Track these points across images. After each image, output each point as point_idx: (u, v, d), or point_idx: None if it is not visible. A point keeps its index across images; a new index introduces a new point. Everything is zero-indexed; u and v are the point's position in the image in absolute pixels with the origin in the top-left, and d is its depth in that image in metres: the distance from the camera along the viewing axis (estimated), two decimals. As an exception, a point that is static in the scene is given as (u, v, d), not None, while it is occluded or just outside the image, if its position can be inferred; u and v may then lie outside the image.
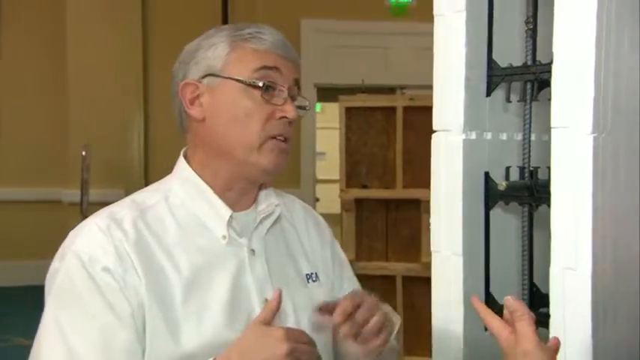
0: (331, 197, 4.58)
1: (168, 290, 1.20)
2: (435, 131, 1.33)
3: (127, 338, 1.17)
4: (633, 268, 1.26)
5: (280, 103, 1.27)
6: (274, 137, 1.28)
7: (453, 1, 1.29)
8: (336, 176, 3.48)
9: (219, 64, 1.27)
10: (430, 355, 3.43)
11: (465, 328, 1.30)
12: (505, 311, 1.02)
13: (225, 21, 4.51)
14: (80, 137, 5.02)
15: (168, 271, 1.22)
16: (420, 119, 3.16)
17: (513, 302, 1.00)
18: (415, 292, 3.23)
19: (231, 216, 1.28)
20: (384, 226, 3.20)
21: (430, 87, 4.18)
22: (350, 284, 1.54)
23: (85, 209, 4.63)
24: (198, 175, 1.31)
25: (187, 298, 1.21)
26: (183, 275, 1.22)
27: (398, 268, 3.17)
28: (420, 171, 3.17)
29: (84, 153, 4.62)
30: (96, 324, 1.17)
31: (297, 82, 1.32)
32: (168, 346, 1.18)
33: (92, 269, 1.18)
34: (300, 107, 1.33)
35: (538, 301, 1.33)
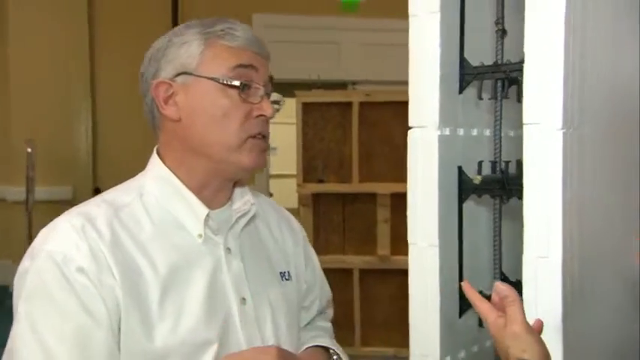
0: (285, 192, 4.60)
1: (144, 290, 1.19)
2: (410, 127, 1.37)
3: (104, 338, 1.16)
4: (597, 257, 1.34)
5: (257, 102, 1.26)
6: (254, 136, 1.28)
7: (428, 3, 1.33)
8: (288, 171, 3.51)
9: (193, 63, 1.25)
10: (385, 345, 3.48)
11: (440, 316, 1.35)
12: (494, 295, 1.08)
13: (174, 15, 4.46)
14: (23, 132, 4.87)
15: (144, 270, 1.20)
16: (375, 114, 3.23)
17: (505, 288, 1.06)
18: (371, 284, 3.30)
19: (207, 214, 1.28)
20: (341, 220, 3.26)
21: (381, 82, 4.26)
22: (321, 288, 1.57)
23: (30, 207, 4.51)
24: (174, 174, 1.29)
25: (164, 297, 1.20)
26: (160, 274, 1.21)
27: (355, 261, 3.22)
28: (375, 165, 3.24)
29: (29, 150, 4.50)
30: (72, 325, 1.15)
31: (271, 79, 1.34)
32: (143, 345, 1.17)
33: (67, 269, 1.15)
34: (273, 102, 1.34)
35: (507, 289, 1.39)
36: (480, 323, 1.45)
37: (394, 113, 3.21)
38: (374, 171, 3.21)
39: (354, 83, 4.04)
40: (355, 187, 3.21)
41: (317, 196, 3.18)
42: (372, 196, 3.20)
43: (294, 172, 3.41)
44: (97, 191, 4.35)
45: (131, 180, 1.36)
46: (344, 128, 3.21)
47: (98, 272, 1.16)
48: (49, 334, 1.14)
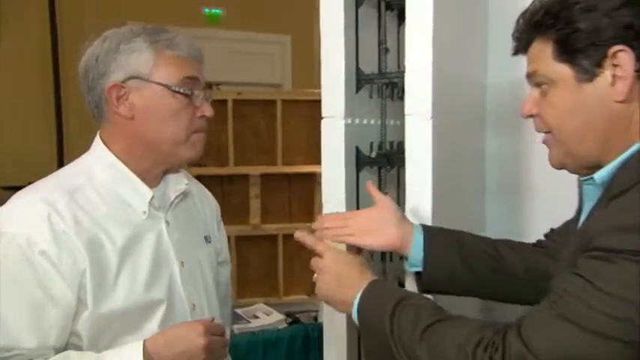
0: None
1: (106, 260, 1.26)
2: (323, 117, 1.63)
3: (59, 315, 1.19)
4: (455, 206, 1.66)
5: (199, 104, 1.35)
6: (196, 131, 1.36)
7: (335, 25, 1.57)
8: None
9: (145, 70, 1.28)
10: (256, 296, 3.71)
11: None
12: None
13: (52, 18, 4.27)
14: None
15: (105, 243, 1.26)
16: (245, 110, 3.45)
17: None
18: (245, 249, 3.53)
19: (152, 196, 1.36)
20: (220, 197, 3.41)
21: (240, 84, 4.53)
22: (226, 251, 1.72)
23: None
24: (119, 159, 1.33)
25: (122, 265, 1.28)
26: (117, 246, 1.28)
27: (231, 230, 3.42)
28: (247, 152, 3.46)
29: None
30: (28, 300, 1.17)
31: (208, 84, 1.49)
32: (107, 307, 1.25)
33: (29, 252, 1.17)
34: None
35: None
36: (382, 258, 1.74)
37: (260, 109, 3.46)
38: (246, 156, 3.44)
39: (217, 84, 4.20)
40: (231, 169, 3.41)
41: (198, 178, 3.32)
42: (245, 177, 3.43)
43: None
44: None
45: (75, 163, 1.40)
46: (220, 121, 3.37)
47: (59, 253, 1.20)
48: (7, 311, 1.18)
